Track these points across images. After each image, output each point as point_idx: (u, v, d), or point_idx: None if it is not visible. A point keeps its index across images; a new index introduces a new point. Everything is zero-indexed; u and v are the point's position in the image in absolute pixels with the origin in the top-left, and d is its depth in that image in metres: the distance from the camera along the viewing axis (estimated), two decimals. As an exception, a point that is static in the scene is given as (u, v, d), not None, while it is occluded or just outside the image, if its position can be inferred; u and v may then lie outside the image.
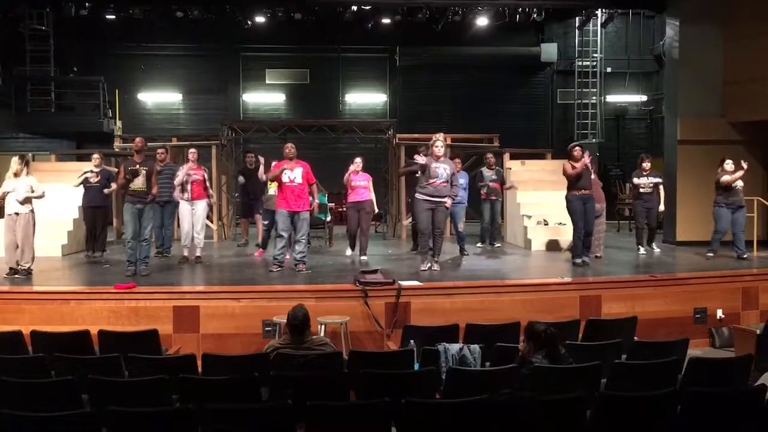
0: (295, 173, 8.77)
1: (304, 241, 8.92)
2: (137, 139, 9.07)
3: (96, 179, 10.25)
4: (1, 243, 9.05)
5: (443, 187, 8.59)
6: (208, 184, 10.27)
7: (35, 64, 16.30)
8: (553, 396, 4.08)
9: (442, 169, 8.58)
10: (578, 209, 9.14)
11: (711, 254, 9.89)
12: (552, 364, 4.65)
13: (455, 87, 18.72)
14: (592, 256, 9.61)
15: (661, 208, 10.68)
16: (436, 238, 8.84)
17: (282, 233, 8.84)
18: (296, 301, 5.94)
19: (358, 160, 10.14)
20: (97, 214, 10.36)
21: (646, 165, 10.54)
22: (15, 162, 8.58)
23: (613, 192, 16.02)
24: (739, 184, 9.81)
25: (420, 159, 8.72)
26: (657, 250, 10.62)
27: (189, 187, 9.91)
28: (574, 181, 9.14)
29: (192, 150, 10.50)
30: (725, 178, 9.76)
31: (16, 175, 8.52)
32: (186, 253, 9.92)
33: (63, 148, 16.93)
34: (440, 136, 8.91)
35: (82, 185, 10.31)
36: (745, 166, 9.75)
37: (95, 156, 10.54)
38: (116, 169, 10.55)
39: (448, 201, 8.71)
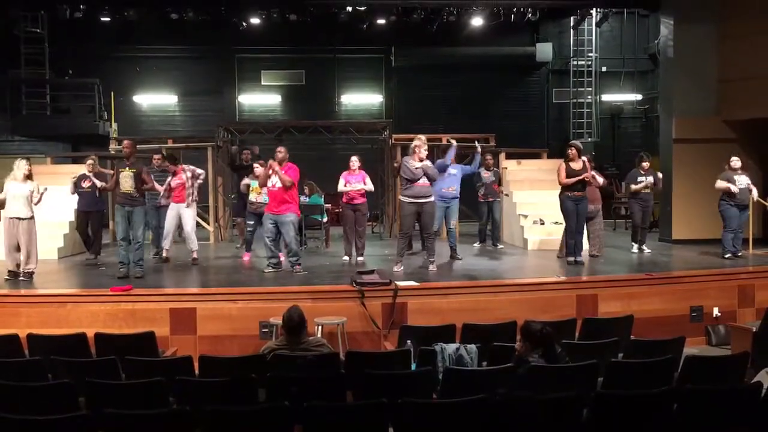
0: (274, 179, 8.79)
1: (294, 246, 8.90)
2: (125, 143, 9.04)
3: (89, 184, 10.23)
4: (1, 246, 9.01)
5: (426, 187, 8.63)
6: (191, 183, 10.13)
7: (30, 66, 16.29)
8: (549, 395, 4.09)
9: (423, 170, 8.61)
10: (571, 209, 9.20)
11: (728, 255, 9.64)
12: (548, 363, 4.66)
13: (451, 87, 18.73)
14: (586, 255, 9.63)
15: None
16: (427, 240, 8.91)
17: (267, 236, 8.87)
18: (293, 302, 5.93)
19: (354, 158, 10.15)
20: (91, 218, 10.34)
21: (645, 164, 10.53)
22: (24, 165, 8.53)
23: (609, 191, 16.05)
24: (742, 182, 9.74)
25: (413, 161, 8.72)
26: (648, 250, 10.56)
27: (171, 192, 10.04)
28: (566, 184, 9.19)
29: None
30: (719, 184, 9.70)
31: (28, 178, 8.49)
32: (165, 254, 10.07)
33: (58, 150, 16.86)
34: (422, 138, 8.80)
35: (76, 192, 10.29)
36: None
37: (89, 161, 10.52)
38: (111, 172, 10.54)
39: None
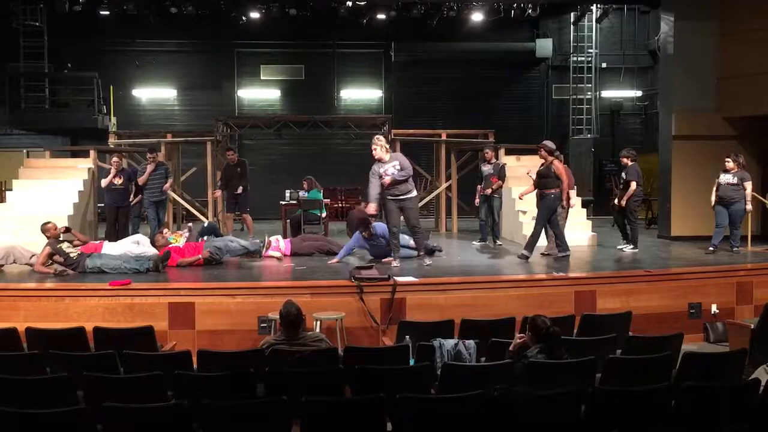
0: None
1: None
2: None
3: (119, 181, 10.64)
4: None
5: (401, 186, 8.56)
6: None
7: (29, 60, 16.26)
8: (547, 391, 4.09)
9: (391, 167, 8.54)
10: None
11: (711, 249, 9.89)
12: (547, 359, 4.67)
13: (450, 82, 18.73)
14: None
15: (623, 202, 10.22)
16: (415, 236, 8.96)
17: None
18: (291, 297, 5.93)
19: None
20: (120, 212, 10.78)
21: (623, 160, 10.40)
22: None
23: (608, 187, 16.06)
24: (722, 179, 9.78)
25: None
26: (619, 247, 10.34)
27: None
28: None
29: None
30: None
31: None
32: None
33: (57, 144, 16.89)
34: (377, 139, 8.71)
35: (107, 186, 10.73)
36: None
37: (115, 159, 10.93)
38: (138, 167, 10.93)
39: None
